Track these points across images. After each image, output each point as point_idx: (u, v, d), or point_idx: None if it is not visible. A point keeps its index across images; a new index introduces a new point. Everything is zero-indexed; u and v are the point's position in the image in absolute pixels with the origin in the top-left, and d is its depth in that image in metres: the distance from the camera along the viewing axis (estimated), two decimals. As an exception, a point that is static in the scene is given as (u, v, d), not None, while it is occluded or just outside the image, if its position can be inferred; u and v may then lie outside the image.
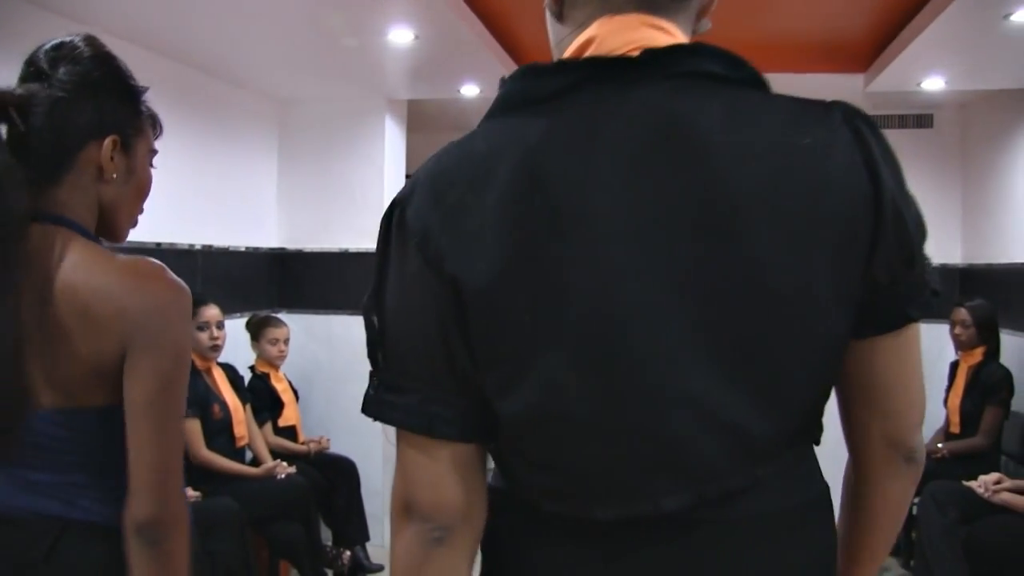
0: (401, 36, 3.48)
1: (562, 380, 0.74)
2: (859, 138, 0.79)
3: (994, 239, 4.72)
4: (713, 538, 0.78)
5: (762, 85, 0.81)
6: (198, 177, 3.93)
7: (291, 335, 4.06)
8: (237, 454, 3.55)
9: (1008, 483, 3.43)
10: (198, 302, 3.50)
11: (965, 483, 3.50)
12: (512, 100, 0.82)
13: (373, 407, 0.84)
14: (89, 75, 1.19)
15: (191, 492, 3.03)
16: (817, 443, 0.87)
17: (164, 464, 1.12)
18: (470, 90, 4.48)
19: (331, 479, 3.91)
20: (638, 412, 0.74)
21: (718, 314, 0.74)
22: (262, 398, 3.84)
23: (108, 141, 1.21)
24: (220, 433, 3.44)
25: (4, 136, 1.13)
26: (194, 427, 3.33)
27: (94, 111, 1.19)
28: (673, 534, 0.77)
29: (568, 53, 0.83)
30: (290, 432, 4.01)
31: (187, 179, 3.86)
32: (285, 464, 3.56)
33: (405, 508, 0.83)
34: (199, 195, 3.94)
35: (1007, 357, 4.14)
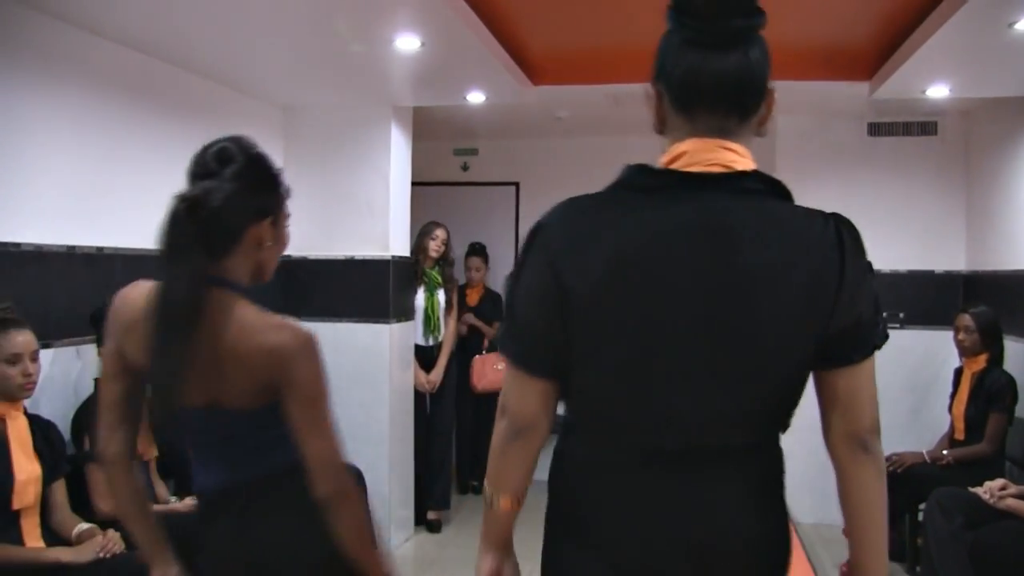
0: (407, 43, 3.49)
1: (614, 367, 1.28)
2: (838, 236, 1.27)
3: (998, 246, 4.73)
4: (712, 472, 1.30)
5: (788, 196, 1.31)
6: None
7: None
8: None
9: (1013, 489, 3.44)
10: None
11: (971, 489, 3.50)
12: (627, 183, 1.31)
13: (501, 343, 1.37)
14: (249, 174, 1.59)
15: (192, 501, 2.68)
16: (783, 431, 1.38)
17: (322, 454, 1.59)
18: (476, 97, 4.48)
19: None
20: (664, 394, 1.26)
21: (721, 344, 1.25)
22: None
23: (266, 223, 1.65)
24: None
25: (186, 222, 1.50)
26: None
27: (254, 201, 1.61)
28: (686, 464, 1.29)
29: (666, 157, 1.30)
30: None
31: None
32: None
33: (502, 410, 1.37)
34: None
35: (1011, 364, 4.15)
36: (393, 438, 4.60)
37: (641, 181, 1.31)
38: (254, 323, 1.58)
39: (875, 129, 5.21)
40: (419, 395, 4.94)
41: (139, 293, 1.61)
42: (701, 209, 1.27)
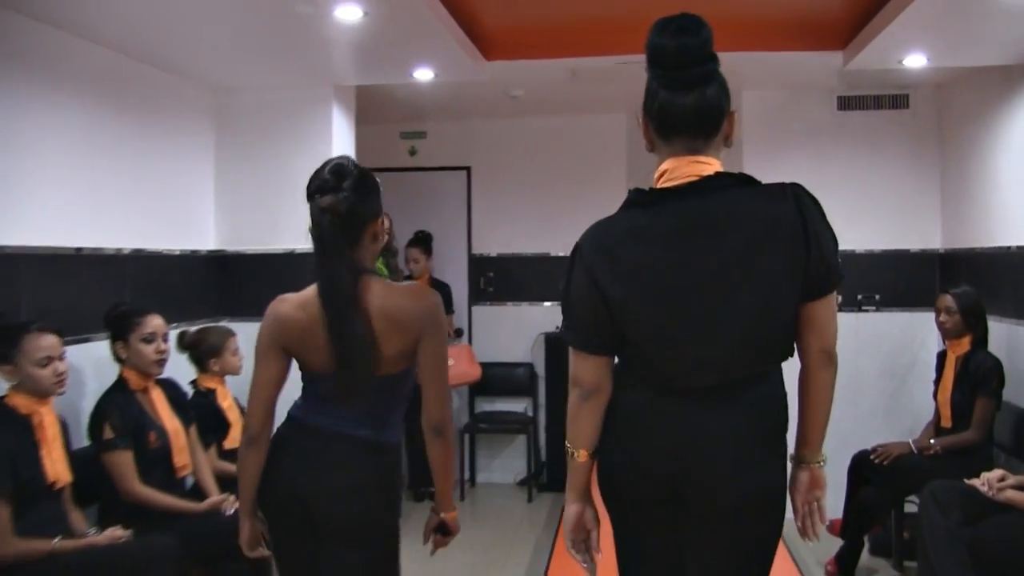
0: (349, 13, 3.22)
1: (645, 335, 1.78)
2: (797, 200, 1.75)
3: (975, 222, 4.61)
4: (725, 398, 1.78)
5: (750, 180, 1.79)
6: (125, 174, 3.69)
7: (237, 346, 3.79)
8: (177, 485, 3.26)
9: (1012, 480, 3.27)
10: (137, 312, 3.25)
11: (967, 482, 3.33)
12: (630, 202, 1.82)
13: (566, 335, 1.86)
14: (361, 186, 2.12)
15: (117, 532, 2.79)
16: (785, 360, 1.85)
17: (440, 393, 2.15)
18: (424, 75, 4.24)
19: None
20: (680, 355, 1.77)
21: (723, 303, 1.74)
22: (206, 418, 3.56)
23: (379, 221, 2.21)
24: (158, 464, 3.16)
25: (331, 228, 2.08)
26: (125, 460, 3.05)
27: (368, 206, 2.15)
28: (707, 396, 1.78)
29: (656, 175, 1.79)
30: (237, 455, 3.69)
31: (113, 176, 3.60)
32: (233, 498, 3.17)
33: (573, 381, 1.85)
34: (127, 194, 3.70)
35: (994, 345, 4.01)
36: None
37: (640, 199, 1.84)
38: (394, 292, 2.17)
39: (845, 103, 5.09)
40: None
41: (293, 309, 2.21)
42: (686, 212, 1.78)
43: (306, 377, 2.24)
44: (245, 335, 3.89)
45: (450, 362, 2.30)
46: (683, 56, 1.76)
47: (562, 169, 6.04)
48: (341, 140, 4.48)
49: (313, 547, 2.18)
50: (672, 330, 1.80)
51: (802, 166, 4.96)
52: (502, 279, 6.10)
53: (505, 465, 6.17)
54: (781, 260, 1.75)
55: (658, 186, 1.82)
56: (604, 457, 1.91)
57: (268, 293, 4.19)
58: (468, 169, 6.19)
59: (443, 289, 5.60)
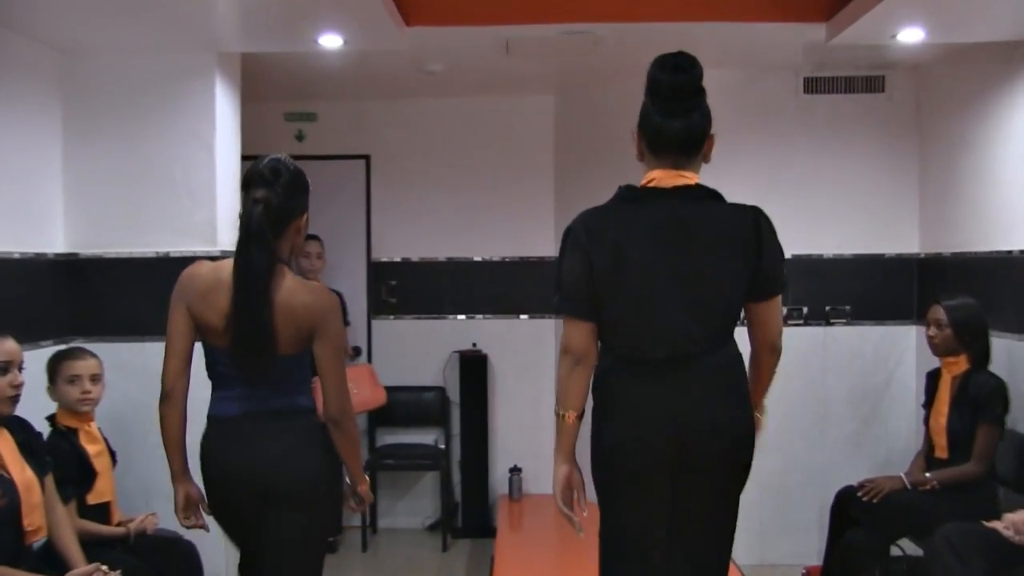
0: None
1: (624, 307, 2.44)
2: (756, 220, 2.42)
3: (959, 224, 4.61)
4: (685, 372, 2.42)
5: (720, 197, 2.46)
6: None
7: (80, 374, 3.57)
8: (25, 555, 3.00)
9: (1042, 522, 3.16)
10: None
11: (986, 524, 3.22)
12: (620, 196, 2.49)
13: (559, 306, 2.50)
14: (293, 184, 2.65)
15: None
16: (731, 336, 2.49)
17: (338, 386, 2.68)
18: (331, 41, 4.10)
19: (161, 569, 3.48)
20: (654, 323, 2.42)
21: (687, 288, 2.41)
22: (67, 465, 3.37)
23: (303, 217, 2.73)
24: (2, 527, 2.91)
25: (261, 218, 2.57)
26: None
27: (297, 203, 2.68)
28: (671, 367, 2.42)
29: (644, 179, 2.48)
30: (102, 511, 3.54)
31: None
32: (105, 569, 3.06)
33: (564, 349, 2.49)
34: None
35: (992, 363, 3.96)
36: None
37: (630, 195, 2.48)
38: (298, 287, 2.63)
39: (812, 85, 5.05)
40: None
41: (206, 270, 2.68)
42: (668, 210, 2.41)
43: (207, 354, 2.72)
44: (105, 359, 3.72)
45: (352, 389, 2.84)
46: (677, 90, 2.42)
47: (480, 159, 5.97)
48: (226, 120, 4.31)
49: (261, 515, 2.66)
50: (643, 303, 2.43)
51: (762, 158, 4.97)
52: (407, 289, 5.95)
53: (412, 507, 6.02)
54: (737, 261, 2.42)
55: (646, 186, 2.49)
56: (595, 431, 2.54)
57: (133, 308, 4.18)
58: (367, 158, 6.04)
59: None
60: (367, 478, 2.97)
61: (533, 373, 5.86)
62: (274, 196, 2.59)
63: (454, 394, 5.86)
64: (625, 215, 2.44)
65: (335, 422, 2.70)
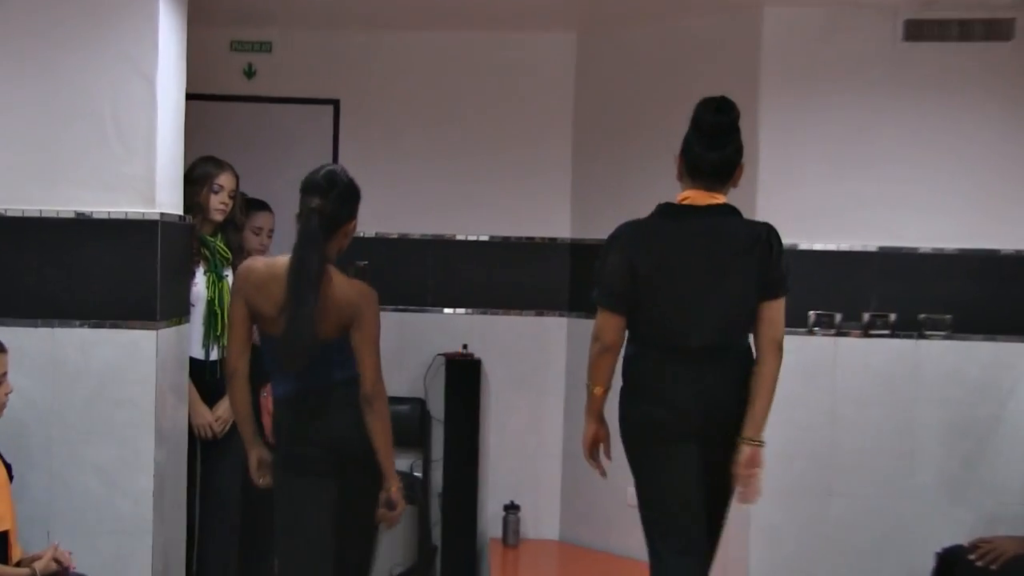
0: None
1: (665, 304, 3.53)
2: (768, 233, 3.51)
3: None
4: (712, 359, 3.52)
5: (739, 213, 3.59)
6: None
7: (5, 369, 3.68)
8: None
9: None
10: None
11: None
12: (660, 212, 3.60)
13: (598, 298, 3.56)
14: (345, 195, 3.61)
15: None
16: (747, 338, 3.62)
17: (372, 366, 3.59)
18: None
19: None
20: (691, 318, 3.50)
21: (717, 288, 3.51)
22: None
23: (352, 223, 3.69)
24: None
25: (316, 223, 3.50)
26: None
27: (347, 211, 3.64)
28: (699, 356, 3.50)
29: (680, 196, 3.58)
30: (-1, 544, 3.56)
31: None
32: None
33: (596, 337, 3.59)
34: None
35: None
36: (160, 509, 4.24)
37: (669, 211, 3.50)
38: (343, 283, 3.59)
39: (915, 30, 4.79)
40: (191, 439, 4.74)
41: (260, 264, 3.70)
42: (701, 224, 3.45)
43: (262, 340, 3.67)
44: (18, 349, 3.80)
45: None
46: (716, 129, 3.39)
47: (480, 112, 5.86)
48: (170, 47, 4.22)
49: (325, 484, 3.56)
50: (680, 302, 3.40)
51: (843, 122, 4.84)
52: (381, 272, 5.63)
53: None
54: (752, 265, 3.37)
55: (682, 204, 3.48)
56: (624, 410, 3.54)
57: (42, 283, 4.14)
58: (336, 104, 5.90)
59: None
60: (399, 480, 3.65)
61: (539, 384, 5.77)
62: (328, 205, 3.52)
63: (437, 408, 5.71)
64: (665, 227, 3.50)
65: (368, 400, 3.54)
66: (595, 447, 3.68)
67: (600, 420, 3.66)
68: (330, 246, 3.59)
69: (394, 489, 3.63)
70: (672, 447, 3.46)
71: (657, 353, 3.49)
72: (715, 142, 3.42)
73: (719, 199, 3.47)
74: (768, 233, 3.46)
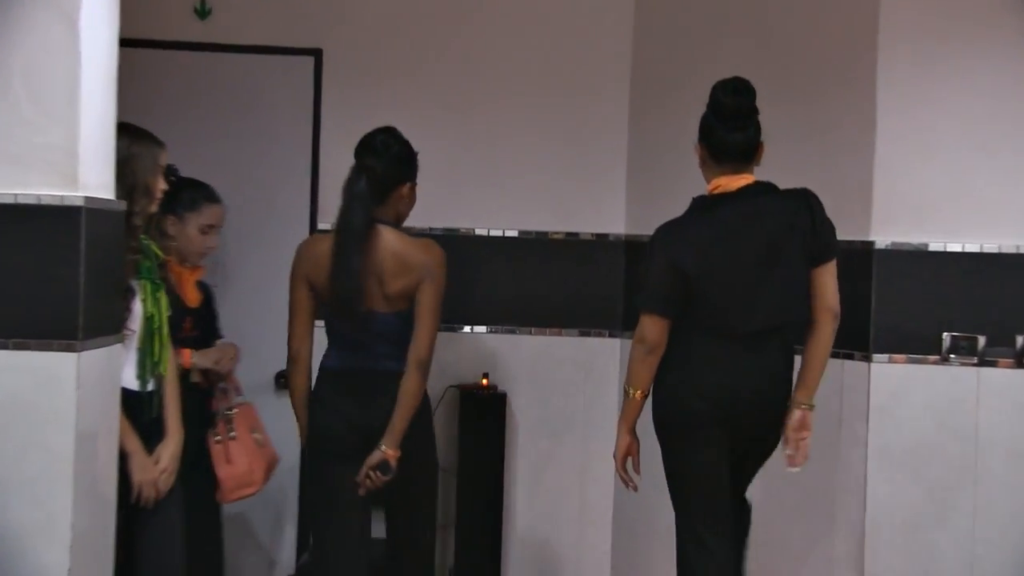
0: None
1: (718, 299, 4.25)
2: (807, 201, 4.20)
3: None
4: (765, 343, 4.24)
5: (775, 188, 4.24)
6: None
7: None
8: None
9: None
10: None
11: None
12: (695, 206, 4.30)
13: (645, 303, 4.19)
14: (401, 154, 4.43)
15: None
16: (807, 321, 4.24)
17: (430, 329, 4.35)
18: None
19: None
20: (743, 308, 4.19)
21: (765, 274, 4.19)
22: None
23: (408, 185, 4.52)
24: None
25: (362, 183, 4.30)
26: None
27: (401, 172, 4.46)
28: (756, 340, 4.22)
29: (710, 187, 4.28)
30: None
31: None
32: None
33: (640, 340, 4.22)
34: None
35: None
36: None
37: (702, 204, 4.10)
38: (405, 241, 4.28)
39: None
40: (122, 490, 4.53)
41: (319, 239, 4.40)
42: (738, 209, 4.06)
43: (325, 315, 4.37)
44: None
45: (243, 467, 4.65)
46: (737, 110, 4.01)
47: (507, 73, 5.73)
48: None
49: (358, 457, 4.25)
50: (734, 292, 4.03)
51: (964, 104, 4.66)
52: None
53: None
54: (799, 243, 3.99)
55: (715, 193, 4.11)
56: (671, 390, 4.11)
57: None
58: (317, 55, 5.79)
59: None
60: (398, 451, 4.14)
61: (582, 426, 5.62)
62: (379, 165, 4.16)
63: (448, 457, 5.49)
64: (704, 221, 4.03)
65: (416, 363, 4.14)
66: (627, 460, 4.18)
67: (634, 431, 4.16)
68: (383, 209, 4.24)
69: (393, 454, 4.12)
70: (718, 428, 4.04)
71: (711, 339, 4.05)
72: (737, 123, 4.00)
73: (749, 179, 4.04)
74: (807, 198, 4.04)
